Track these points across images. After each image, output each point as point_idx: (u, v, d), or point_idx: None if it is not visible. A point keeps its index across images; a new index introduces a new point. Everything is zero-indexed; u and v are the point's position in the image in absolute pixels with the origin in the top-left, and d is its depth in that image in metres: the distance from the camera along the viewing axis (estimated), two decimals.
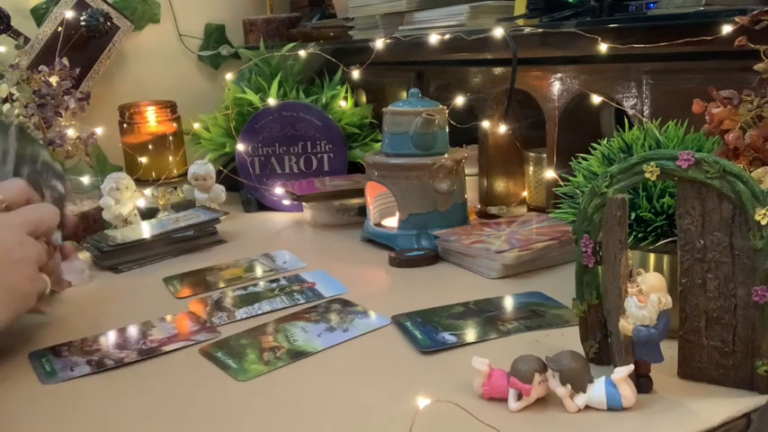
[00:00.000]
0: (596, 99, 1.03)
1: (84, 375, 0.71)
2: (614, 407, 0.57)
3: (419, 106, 1.08)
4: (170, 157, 1.56)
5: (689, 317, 0.61)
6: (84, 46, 1.53)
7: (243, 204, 1.44)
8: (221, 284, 0.97)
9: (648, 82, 0.97)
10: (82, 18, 1.50)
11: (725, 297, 0.59)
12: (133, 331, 0.82)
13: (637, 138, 0.77)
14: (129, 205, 1.24)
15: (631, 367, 0.58)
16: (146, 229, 1.15)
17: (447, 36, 1.18)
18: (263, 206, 1.42)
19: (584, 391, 0.58)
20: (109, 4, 1.55)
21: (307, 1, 1.81)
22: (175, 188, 1.39)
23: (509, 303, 0.84)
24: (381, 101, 1.41)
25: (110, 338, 0.80)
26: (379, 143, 1.22)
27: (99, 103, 1.54)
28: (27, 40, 1.47)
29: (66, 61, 1.32)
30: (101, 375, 0.71)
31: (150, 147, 1.54)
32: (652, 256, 0.70)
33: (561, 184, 0.82)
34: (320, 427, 0.60)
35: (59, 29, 1.49)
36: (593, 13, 1.00)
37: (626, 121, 0.86)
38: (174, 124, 1.57)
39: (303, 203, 1.29)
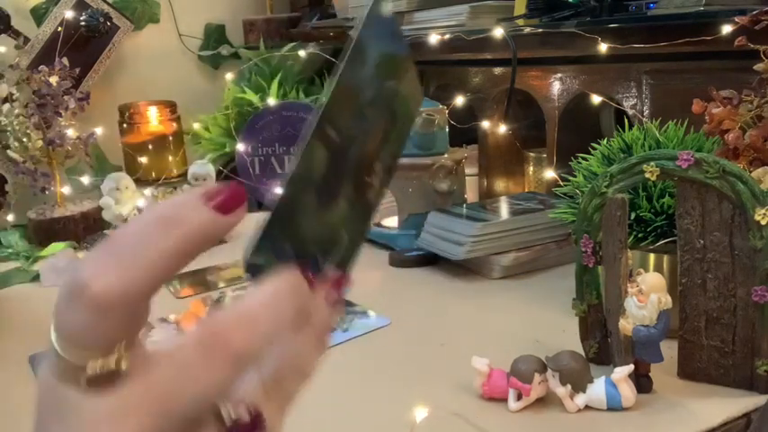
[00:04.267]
0: (596, 99, 1.03)
1: None
2: (614, 407, 0.57)
3: None
4: (170, 158, 1.56)
5: (689, 317, 0.61)
6: (84, 46, 1.53)
7: None
8: (221, 284, 0.97)
9: (648, 82, 0.97)
10: (82, 18, 1.50)
11: (725, 297, 0.59)
12: None
13: (637, 138, 0.77)
14: (129, 205, 1.24)
15: (631, 367, 0.58)
16: None
17: (447, 36, 1.18)
18: (263, 206, 1.42)
19: (584, 391, 0.58)
20: (109, 4, 1.55)
21: (307, 1, 1.81)
22: (175, 188, 1.39)
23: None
24: None
25: None
26: None
27: (99, 103, 1.54)
28: (27, 40, 1.47)
29: (66, 61, 1.32)
30: None
31: (150, 147, 1.54)
32: (652, 256, 0.70)
33: (561, 184, 0.82)
34: (320, 427, 0.59)
35: (59, 29, 1.49)
36: (593, 13, 1.00)
37: (626, 121, 0.86)
38: (174, 124, 1.57)
39: None
